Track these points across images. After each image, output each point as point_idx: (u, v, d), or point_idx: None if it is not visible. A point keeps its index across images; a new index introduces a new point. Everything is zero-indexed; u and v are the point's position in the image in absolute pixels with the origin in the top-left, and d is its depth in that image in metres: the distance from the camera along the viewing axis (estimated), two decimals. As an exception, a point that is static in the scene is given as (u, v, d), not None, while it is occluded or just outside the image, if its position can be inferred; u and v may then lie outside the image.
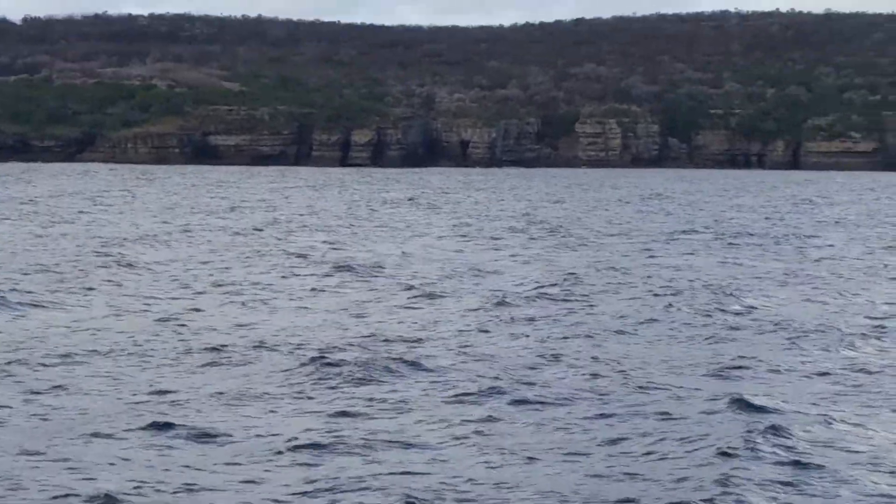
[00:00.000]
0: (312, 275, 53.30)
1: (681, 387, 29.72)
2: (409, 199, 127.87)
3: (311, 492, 21.52)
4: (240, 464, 23.38)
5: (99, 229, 78.63)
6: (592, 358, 33.13)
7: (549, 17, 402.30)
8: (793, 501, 21.23)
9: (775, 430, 25.20)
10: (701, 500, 20.79)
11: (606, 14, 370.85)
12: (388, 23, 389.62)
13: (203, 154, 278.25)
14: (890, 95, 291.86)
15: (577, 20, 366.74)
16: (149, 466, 22.79)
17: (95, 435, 24.99)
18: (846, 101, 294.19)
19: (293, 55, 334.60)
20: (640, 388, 29.63)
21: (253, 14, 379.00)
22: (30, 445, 23.96)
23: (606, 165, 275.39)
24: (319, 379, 30.16)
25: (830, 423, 26.24)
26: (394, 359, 32.22)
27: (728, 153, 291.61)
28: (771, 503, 21.11)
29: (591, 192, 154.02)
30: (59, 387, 29.19)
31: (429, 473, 22.46)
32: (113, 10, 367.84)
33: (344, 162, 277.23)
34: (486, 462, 23.53)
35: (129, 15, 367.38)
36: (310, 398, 28.29)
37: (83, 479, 21.87)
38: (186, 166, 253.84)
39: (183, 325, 38.16)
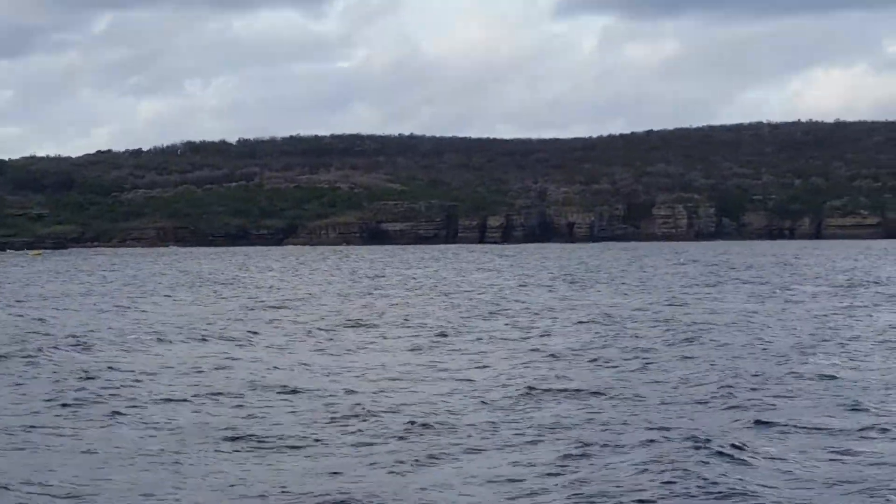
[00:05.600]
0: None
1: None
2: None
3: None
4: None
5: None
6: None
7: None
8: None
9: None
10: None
11: (670, 126, 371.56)
12: (495, 136, 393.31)
13: (376, 237, 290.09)
14: (889, 182, 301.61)
15: (648, 131, 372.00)
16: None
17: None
18: (855, 187, 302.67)
19: (439, 162, 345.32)
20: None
21: (406, 133, 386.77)
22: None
23: (676, 239, 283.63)
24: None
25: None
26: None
27: (767, 228, 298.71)
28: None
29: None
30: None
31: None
32: (304, 132, 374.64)
33: (481, 240, 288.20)
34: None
35: (316, 136, 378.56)
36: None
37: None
38: (369, 247, 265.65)
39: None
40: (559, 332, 45.46)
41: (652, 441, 22.01)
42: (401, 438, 23.05)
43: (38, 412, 26.34)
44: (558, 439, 22.62)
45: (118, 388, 29.83)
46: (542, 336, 43.67)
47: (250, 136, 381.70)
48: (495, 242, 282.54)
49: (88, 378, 31.49)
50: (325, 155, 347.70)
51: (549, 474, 19.75)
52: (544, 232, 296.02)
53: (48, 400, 27.93)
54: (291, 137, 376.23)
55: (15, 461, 21.29)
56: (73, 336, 43.66)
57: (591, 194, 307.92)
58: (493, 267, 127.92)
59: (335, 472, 20.16)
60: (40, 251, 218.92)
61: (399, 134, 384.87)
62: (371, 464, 20.81)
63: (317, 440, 23.00)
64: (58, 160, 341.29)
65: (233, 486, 19.33)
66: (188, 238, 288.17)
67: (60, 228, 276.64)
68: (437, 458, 21.11)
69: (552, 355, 36.81)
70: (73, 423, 24.95)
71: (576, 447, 21.64)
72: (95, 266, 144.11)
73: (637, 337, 42.10)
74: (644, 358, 35.59)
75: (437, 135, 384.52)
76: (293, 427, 24.37)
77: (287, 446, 22.45)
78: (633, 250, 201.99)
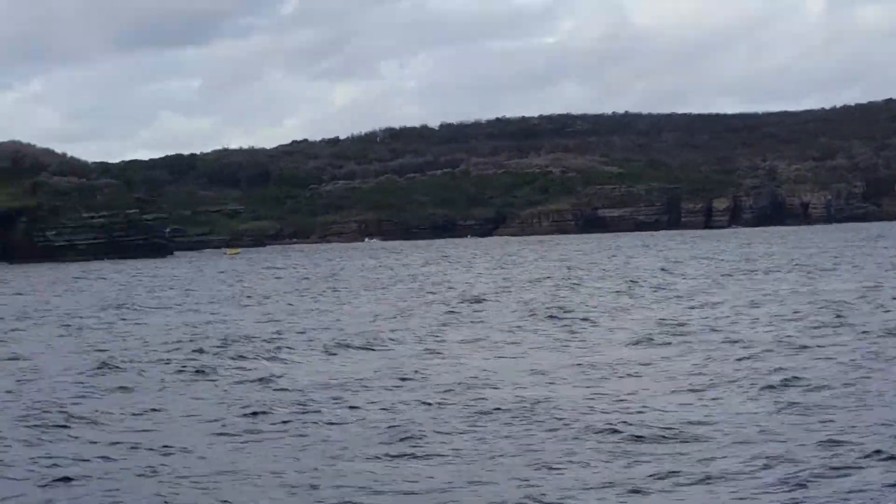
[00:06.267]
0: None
1: None
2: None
3: None
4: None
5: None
6: None
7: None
8: None
9: None
10: None
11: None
12: (716, 111, 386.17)
13: (592, 225, 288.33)
14: None
15: (888, 100, 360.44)
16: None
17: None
18: None
19: (657, 141, 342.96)
20: None
21: (620, 110, 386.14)
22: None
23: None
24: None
25: None
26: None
27: None
28: None
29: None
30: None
31: None
32: (509, 114, 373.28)
33: (707, 225, 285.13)
34: None
35: (523, 117, 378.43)
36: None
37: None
38: (583, 235, 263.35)
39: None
40: (780, 322, 45.07)
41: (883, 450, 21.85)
42: (603, 435, 23.43)
43: (238, 421, 27.38)
44: (772, 440, 22.73)
45: (316, 397, 30.85)
46: (758, 328, 43.34)
47: (452, 119, 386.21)
48: (722, 227, 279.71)
49: (280, 389, 32.62)
50: (534, 137, 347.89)
51: (763, 481, 19.87)
52: (776, 213, 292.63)
53: (253, 405, 28.96)
54: (497, 120, 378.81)
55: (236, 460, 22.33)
56: (268, 341, 45.15)
57: (825, 171, 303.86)
58: (714, 253, 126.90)
59: (542, 471, 20.66)
60: (238, 250, 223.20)
61: (613, 112, 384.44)
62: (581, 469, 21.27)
63: (523, 443, 23.47)
64: (251, 152, 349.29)
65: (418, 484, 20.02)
66: (391, 231, 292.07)
67: (258, 225, 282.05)
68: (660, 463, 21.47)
69: (771, 347, 36.77)
70: (272, 428, 25.94)
71: (795, 463, 21.38)
72: (292, 264, 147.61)
73: (868, 332, 41.39)
74: (871, 351, 35.21)
75: (654, 112, 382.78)
76: (503, 428, 24.95)
77: (497, 448, 22.94)
78: (875, 231, 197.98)
